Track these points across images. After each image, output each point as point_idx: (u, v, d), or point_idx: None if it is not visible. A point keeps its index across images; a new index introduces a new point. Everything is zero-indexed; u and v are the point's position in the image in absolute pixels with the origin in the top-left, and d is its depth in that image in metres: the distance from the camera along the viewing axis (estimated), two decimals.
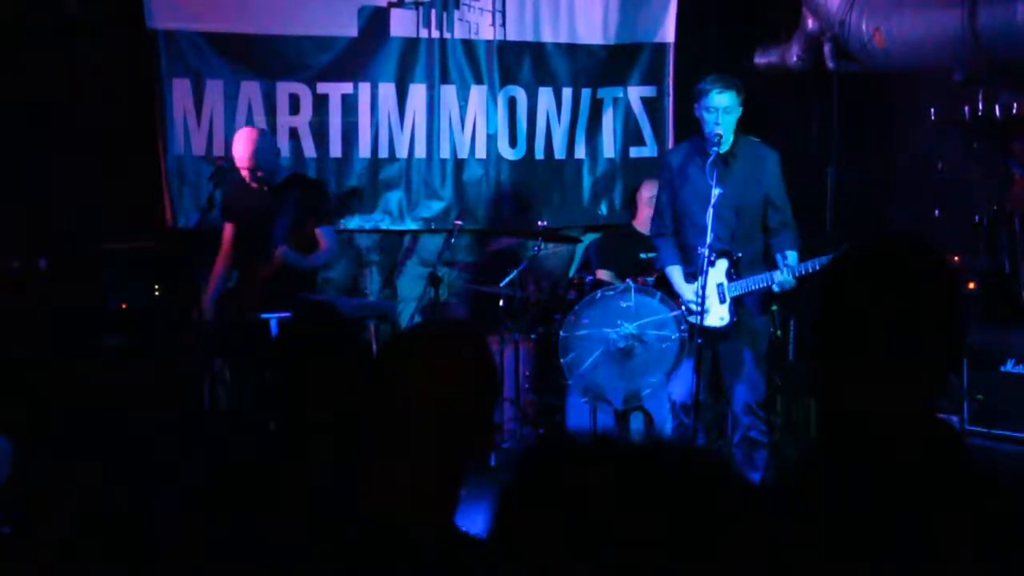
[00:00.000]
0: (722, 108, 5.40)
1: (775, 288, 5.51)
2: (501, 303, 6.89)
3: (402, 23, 7.35)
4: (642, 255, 6.89)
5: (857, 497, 1.64)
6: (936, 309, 1.73)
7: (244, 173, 6.09)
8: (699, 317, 5.43)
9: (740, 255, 5.56)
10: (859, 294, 1.74)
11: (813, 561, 1.56)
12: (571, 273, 7.55)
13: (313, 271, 6.35)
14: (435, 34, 7.40)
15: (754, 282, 5.54)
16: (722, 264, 5.56)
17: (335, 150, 7.32)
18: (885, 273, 1.74)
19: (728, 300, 5.57)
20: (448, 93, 7.47)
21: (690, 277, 5.61)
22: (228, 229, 6.32)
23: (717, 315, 5.59)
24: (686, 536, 1.07)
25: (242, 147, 6.07)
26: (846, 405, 1.73)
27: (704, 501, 1.09)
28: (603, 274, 6.90)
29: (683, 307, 5.66)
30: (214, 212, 6.14)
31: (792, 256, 5.52)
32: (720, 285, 5.57)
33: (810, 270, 5.40)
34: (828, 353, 1.75)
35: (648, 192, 7.06)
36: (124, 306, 6.26)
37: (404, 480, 1.78)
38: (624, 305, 5.94)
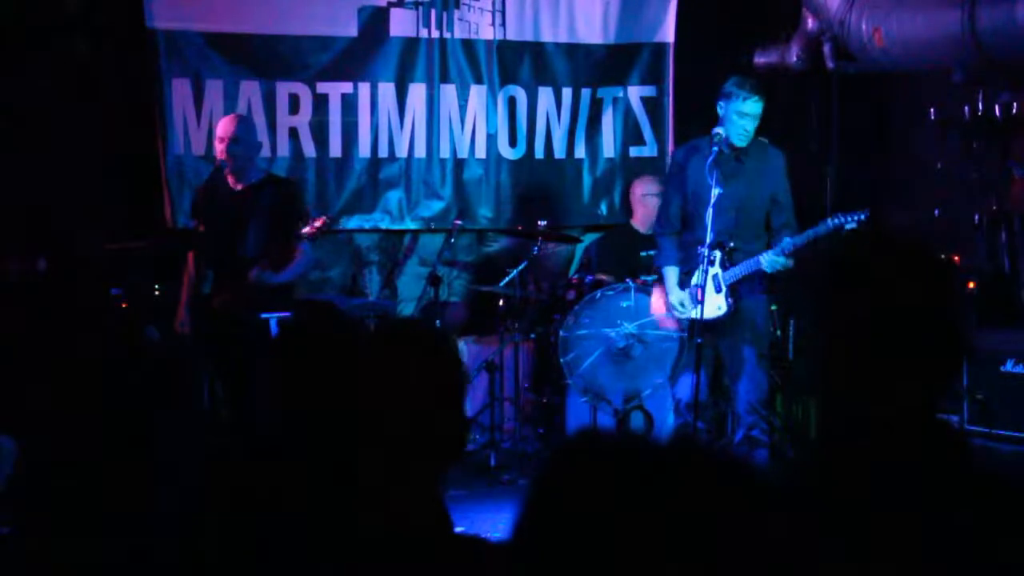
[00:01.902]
0: (753, 115, 5.48)
1: (766, 268, 5.52)
2: (501, 303, 6.89)
3: (402, 23, 7.34)
4: (642, 253, 6.90)
5: (860, 497, 1.64)
6: (939, 308, 1.73)
7: (219, 146, 5.91)
8: (698, 313, 5.44)
9: (732, 244, 5.59)
10: (862, 294, 1.74)
11: (817, 561, 1.56)
12: (571, 273, 7.55)
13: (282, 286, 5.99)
14: (435, 34, 7.40)
15: (746, 267, 5.57)
16: (715, 255, 5.59)
17: (335, 150, 7.32)
18: (888, 273, 1.74)
19: (724, 289, 5.59)
20: (448, 93, 7.47)
21: (685, 275, 5.64)
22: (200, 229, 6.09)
23: (715, 304, 5.60)
24: (720, 536, 1.07)
25: (225, 123, 5.96)
26: (849, 405, 1.73)
27: (737, 501, 1.10)
28: (604, 277, 6.90)
29: (671, 310, 5.67)
30: None
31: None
32: (715, 276, 5.60)
33: (798, 245, 5.43)
34: (832, 353, 1.75)
35: (640, 189, 7.07)
36: (124, 306, 6.26)
37: (383, 480, 1.79)
38: (624, 305, 5.95)
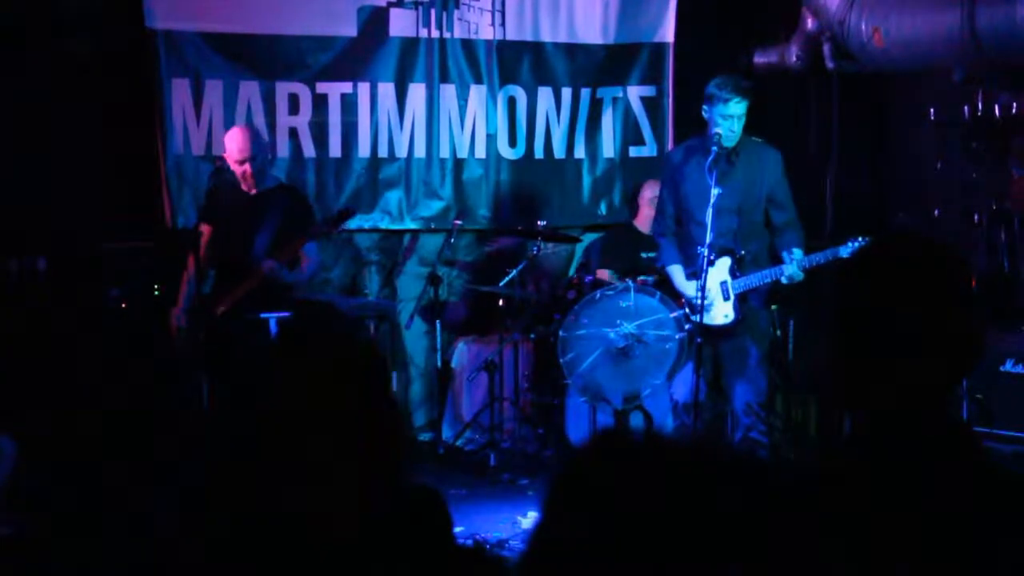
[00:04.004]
0: (737, 116, 5.48)
1: (783, 280, 5.54)
2: (501, 303, 6.89)
3: (401, 23, 7.34)
4: (643, 255, 6.90)
5: (872, 496, 1.64)
6: (953, 307, 1.73)
7: (239, 167, 5.98)
8: (699, 316, 5.44)
9: (743, 252, 5.60)
10: (877, 293, 1.74)
11: (833, 560, 1.56)
12: (571, 273, 7.55)
13: (291, 285, 6.12)
14: (435, 34, 7.40)
15: (759, 278, 5.57)
16: (724, 262, 5.59)
17: (335, 150, 7.32)
18: (903, 272, 1.74)
19: (732, 297, 5.60)
20: (448, 93, 7.47)
21: (691, 276, 5.63)
22: (205, 231, 6.14)
23: (721, 312, 5.60)
24: (743, 534, 1.08)
25: (238, 140, 6.01)
26: (862, 404, 1.73)
27: (759, 501, 1.10)
28: (603, 274, 6.90)
29: (685, 306, 5.68)
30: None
31: (798, 252, 5.56)
32: (724, 283, 5.60)
33: (817, 263, 5.45)
34: (846, 352, 1.75)
35: (650, 192, 7.06)
36: (124, 306, 6.26)
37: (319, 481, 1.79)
38: (624, 305, 5.94)
